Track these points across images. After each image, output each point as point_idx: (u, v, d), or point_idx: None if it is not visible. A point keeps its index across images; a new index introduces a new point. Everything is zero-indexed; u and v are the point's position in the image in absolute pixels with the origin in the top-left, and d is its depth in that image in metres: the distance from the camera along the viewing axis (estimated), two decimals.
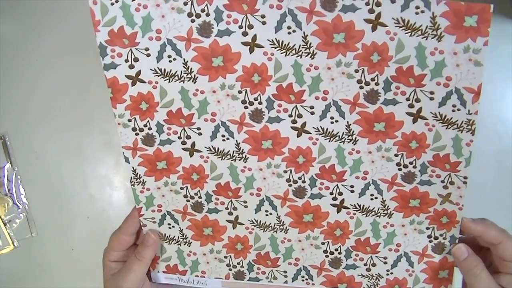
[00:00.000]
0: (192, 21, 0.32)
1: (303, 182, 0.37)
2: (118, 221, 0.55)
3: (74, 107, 0.53)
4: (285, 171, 0.36)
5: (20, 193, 0.54)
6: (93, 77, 0.52)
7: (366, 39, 0.31)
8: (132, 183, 0.38)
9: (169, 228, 0.39)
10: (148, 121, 0.35)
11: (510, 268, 0.35)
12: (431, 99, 0.32)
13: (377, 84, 0.32)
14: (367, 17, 0.31)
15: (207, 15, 0.32)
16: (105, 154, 0.54)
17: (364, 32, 0.31)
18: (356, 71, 0.32)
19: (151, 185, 0.38)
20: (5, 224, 0.54)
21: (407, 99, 0.33)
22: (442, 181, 0.35)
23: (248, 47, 0.33)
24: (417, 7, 0.30)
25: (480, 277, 0.34)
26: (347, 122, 0.34)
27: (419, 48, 0.31)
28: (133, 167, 0.37)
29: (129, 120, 0.35)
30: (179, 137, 0.36)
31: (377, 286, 0.40)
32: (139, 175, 0.37)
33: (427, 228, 0.37)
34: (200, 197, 0.38)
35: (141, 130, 0.36)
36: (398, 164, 0.35)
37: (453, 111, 0.33)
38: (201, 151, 0.36)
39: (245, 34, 0.32)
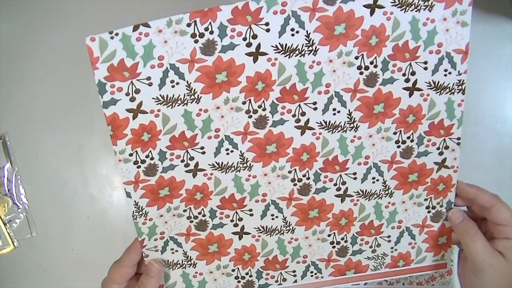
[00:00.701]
0: (196, 41, 0.32)
1: (307, 179, 0.37)
2: (118, 221, 0.55)
3: (74, 107, 0.53)
4: (289, 172, 0.36)
5: (20, 193, 0.54)
6: (93, 77, 0.52)
7: (365, 25, 0.33)
8: (134, 217, 0.37)
9: (172, 253, 0.39)
10: (150, 151, 0.35)
11: (504, 232, 0.36)
12: (425, 69, 0.34)
13: (375, 66, 0.34)
14: (366, 3, 0.32)
15: (211, 33, 0.32)
16: (105, 154, 0.54)
17: (363, 18, 0.32)
18: (356, 58, 0.33)
19: (153, 214, 0.37)
20: (5, 224, 0.54)
21: (403, 75, 0.34)
22: (438, 148, 0.37)
23: (252, 57, 0.33)
24: None
25: (475, 238, 0.36)
26: (349, 110, 0.35)
27: (413, 21, 0.33)
28: (135, 201, 0.36)
29: (130, 155, 0.35)
30: (182, 161, 0.35)
31: (383, 265, 0.41)
32: (141, 207, 0.37)
33: (425, 200, 0.39)
34: (204, 215, 0.37)
35: (143, 162, 0.35)
36: (396, 142, 0.36)
37: (445, 75, 0.34)
38: (204, 170, 0.36)
39: (249, 45, 0.32)
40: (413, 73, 0.34)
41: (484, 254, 0.35)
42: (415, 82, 0.34)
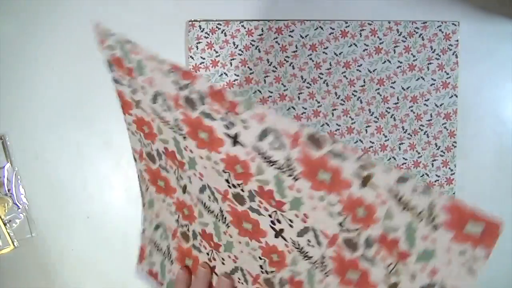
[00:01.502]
0: (180, 89, 0.29)
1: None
2: (118, 221, 0.55)
3: (74, 107, 0.53)
4: (260, 258, 0.33)
5: (20, 193, 0.54)
6: (93, 77, 0.52)
7: (353, 191, 0.27)
8: (139, 181, 0.37)
9: (161, 238, 0.39)
10: (151, 143, 0.34)
11: None
12: (410, 280, 0.27)
13: (358, 235, 0.28)
14: (359, 173, 0.26)
15: (190, 92, 0.28)
16: (105, 154, 0.54)
17: (350, 184, 0.26)
18: (340, 214, 0.28)
19: (152, 192, 0.37)
20: (5, 224, 0.54)
21: (388, 266, 0.28)
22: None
23: (230, 140, 0.28)
24: (415, 190, 0.25)
25: None
26: (323, 254, 0.30)
27: (409, 226, 0.26)
28: (139, 169, 0.36)
29: (136, 132, 0.34)
30: (174, 172, 0.34)
31: None
32: (145, 178, 0.36)
33: None
34: (188, 230, 0.36)
35: (145, 146, 0.35)
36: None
37: None
38: (191, 194, 0.34)
39: (227, 127, 0.28)
40: (396, 273, 0.27)
41: None
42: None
